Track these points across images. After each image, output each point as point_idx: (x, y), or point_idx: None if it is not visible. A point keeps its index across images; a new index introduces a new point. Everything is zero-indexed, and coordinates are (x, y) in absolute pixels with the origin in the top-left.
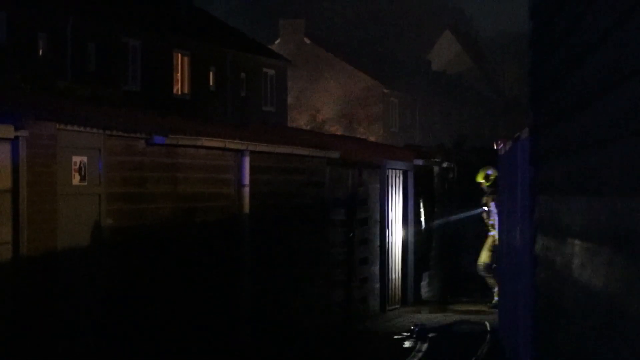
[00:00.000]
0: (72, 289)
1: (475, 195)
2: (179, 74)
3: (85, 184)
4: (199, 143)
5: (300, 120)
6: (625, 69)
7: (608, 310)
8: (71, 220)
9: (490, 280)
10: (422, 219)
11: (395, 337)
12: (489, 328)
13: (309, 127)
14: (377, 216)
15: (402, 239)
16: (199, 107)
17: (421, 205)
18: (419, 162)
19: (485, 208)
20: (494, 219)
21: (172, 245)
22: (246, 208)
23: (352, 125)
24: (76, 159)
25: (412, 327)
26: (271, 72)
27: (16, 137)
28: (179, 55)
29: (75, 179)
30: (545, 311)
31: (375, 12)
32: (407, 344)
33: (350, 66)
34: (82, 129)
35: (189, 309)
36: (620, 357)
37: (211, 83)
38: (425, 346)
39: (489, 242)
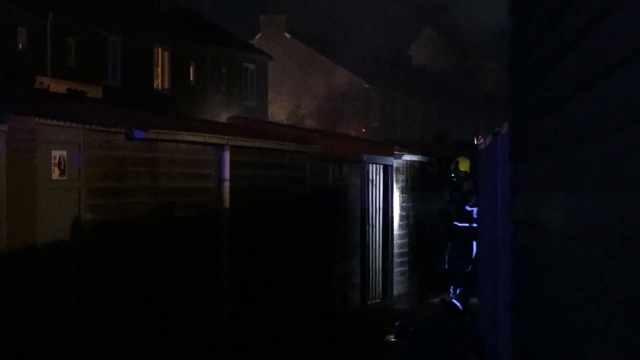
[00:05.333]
0: (52, 283)
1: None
2: (159, 69)
3: (65, 178)
4: (179, 137)
5: (281, 115)
6: (602, 66)
7: (586, 306)
8: (51, 214)
9: None
10: (403, 213)
11: (376, 331)
12: (469, 324)
13: (289, 122)
14: (358, 211)
15: (383, 233)
16: (179, 102)
17: (401, 200)
18: (400, 156)
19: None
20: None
21: (152, 239)
22: (226, 203)
23: (333, 120)
24: (56, 154)
25: (393, 322)
26: (252, 67)
27: None
28: (160, 50)
29: (55, 174)
30: (524, 307)
31: (356, 6)
32: (387, 339)
33: (331, 61)
34: (61, 123)
35: (169, 303)
36: (599, 353)
37: (191, 78)
38: (405, 341)
39: None
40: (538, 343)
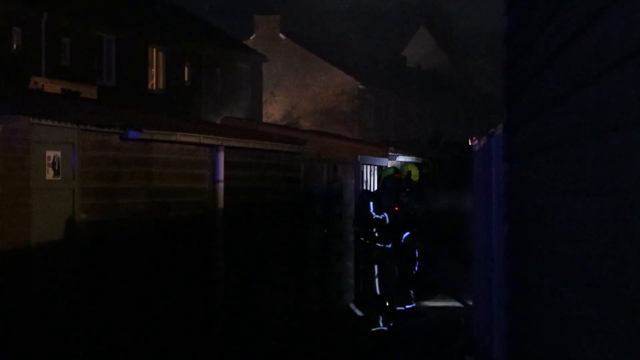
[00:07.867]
0: (46, 283)
1: (450, 191)
2: (154, 70)
3: (59, 178)
4: (173, 138)
5: (275, 115)
6: (596, 67)
7: (581, 305)
8: (45, 215)
9: None
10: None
11: (370, 332)
12: (463, 323)
13: (284, 123)
14: (352, 211)
15: None
16: (174, 102)
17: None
18: (394, 157)
19: None
20: None
21: (146, 240)
22: (221, 203)
23: (328, 121)
24: (50, 154)
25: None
26: (246, 67)
27: None
28: (154, 50)
29: (49, 174)
30: (519, 306)
31: (350, 7)
32: (381, 339)
33: (326, 62)
34: (56, 123)
35: (163, 303)
36: (594, 353)
37: (186, 78)
38: (399, 341)
39: None
40: (532, 342)
